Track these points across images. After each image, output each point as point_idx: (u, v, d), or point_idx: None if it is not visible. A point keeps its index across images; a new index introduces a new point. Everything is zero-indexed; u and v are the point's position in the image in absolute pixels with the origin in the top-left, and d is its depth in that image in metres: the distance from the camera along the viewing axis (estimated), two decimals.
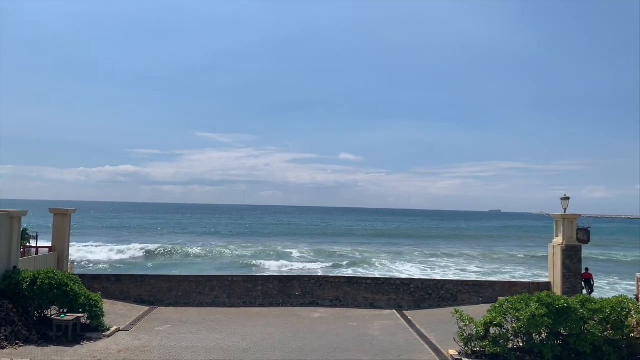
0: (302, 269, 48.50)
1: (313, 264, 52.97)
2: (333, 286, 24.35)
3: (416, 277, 40.20)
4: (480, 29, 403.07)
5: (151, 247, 64.27)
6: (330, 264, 53.51)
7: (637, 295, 17.70)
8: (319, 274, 37.13)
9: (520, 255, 67.65)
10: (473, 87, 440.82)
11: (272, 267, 49.50)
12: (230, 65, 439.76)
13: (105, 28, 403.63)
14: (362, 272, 46.58)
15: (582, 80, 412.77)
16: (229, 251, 63.99)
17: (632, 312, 15.08)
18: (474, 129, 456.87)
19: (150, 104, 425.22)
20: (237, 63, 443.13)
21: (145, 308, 22.31)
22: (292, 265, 50.36)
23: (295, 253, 64.12)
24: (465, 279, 32.62)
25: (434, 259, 61.47)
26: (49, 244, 23.08)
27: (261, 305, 23.65)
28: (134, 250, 61.51)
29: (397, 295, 24.04)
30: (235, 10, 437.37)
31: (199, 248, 65.78)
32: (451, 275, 48.11)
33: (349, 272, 46.58)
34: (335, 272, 47.03)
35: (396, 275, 42.36)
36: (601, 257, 65.37)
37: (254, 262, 53.12)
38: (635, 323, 15.86)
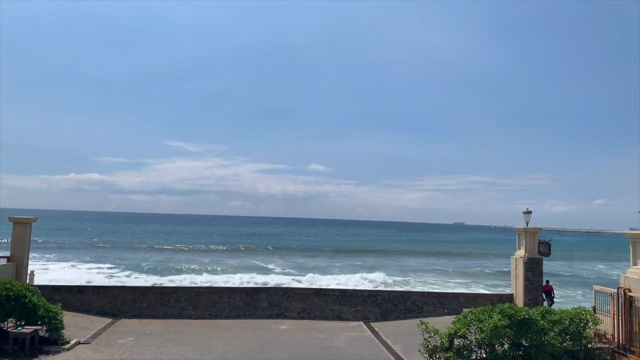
0: (269, 282, 48.11)
1: (283, 276, 52.64)
2: (300, 298, 24.30)
3: (383, 288, 40.51)
4: (450, 45, 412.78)
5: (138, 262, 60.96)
6: (302, 275, 53.29)
7: (594, 307, 18.31)
8: (287, 286, 36.93)
9: (484, 268, 68.95)
10: (442, 102, 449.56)
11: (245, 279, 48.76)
12: (201, 74, 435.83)
13: (73, 31, 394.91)
14: (330, 284, 46.52)
15: (546, 96, 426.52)
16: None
17: (590, 324, 15.63)
18: (442, 142, 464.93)
19: (118, 111, 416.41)
20: (207, 72, 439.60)
21: (108, 320, 21.75)
22: (264, 277, 49.86)
23: (269, 265, 63.64)
24: (431, 290, 33.02)
25: (401, 271, 62.00)
26: (7, 254, 22.30)
27: (227, 317, 23.37)
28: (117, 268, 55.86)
29: (364, 306, 24.15)
30: (206, 19, 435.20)
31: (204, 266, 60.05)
32: (418, 287, 48.65)
33: (320, 283, 46.43)
34: (304, 284, 46.85)
35: (364, 287, 42.50)
36: (562, 270, 67.28)
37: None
38: (592, 334, 16.44)
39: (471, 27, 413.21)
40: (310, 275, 53.12)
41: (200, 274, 51.29)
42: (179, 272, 54.26)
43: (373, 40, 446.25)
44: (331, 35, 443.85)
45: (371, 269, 62.53)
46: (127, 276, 50.81)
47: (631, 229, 21.24)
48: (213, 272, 54.95)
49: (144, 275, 51.57)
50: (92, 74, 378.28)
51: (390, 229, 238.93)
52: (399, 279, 54.48)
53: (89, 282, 39.19)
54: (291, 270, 58.80)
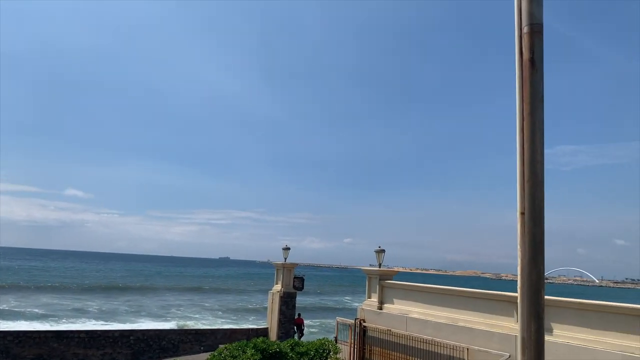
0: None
1: (24, 322, 44.74)
2: (36, 342, 20.96)
3: (137, 327, 37.80)
4: (230, 85, 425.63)
5: None
6: (46, 318, 46.13)
7: (336, 337, 20.15)
8: (20, 329, 31.50)
9: (247, 303, 70.43)
10: (217, 138, 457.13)
11: None
12: None
13: None
14: (73, 326, 41.36)
15: (314, 145, 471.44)
16: None
17: (331, 353, 17.12)
18: (214, 177, 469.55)
19: None
20: None
21: None
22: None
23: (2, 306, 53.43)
24: (187, 328, 32.10)
25: (162, 308, 59.03)
26: None
27: None
28: None
29: (113, 349, 22.05)
30: None
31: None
32: (175, 325, 46.83)
33: (66, 326, 40.75)
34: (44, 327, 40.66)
35: (117, 327, 38.98)
36: (315, 302, 73.06)
37: None
38: None
39: (251, 74, 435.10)
40: (54, 318, 46.58)
41: None
42: None
43: (159, 65, 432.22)
44: (114, 51, 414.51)
45: (131, 307, 58.11)
46: None
47: (371, 265, 24.25)
48: None
49: None
50: None
51: (154, 263, 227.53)
52: (157, 316, 51.81)
53: None
54: (37, 311, 50.72)
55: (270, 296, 25.63)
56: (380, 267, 19.63)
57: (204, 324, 48.15)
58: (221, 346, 17.13)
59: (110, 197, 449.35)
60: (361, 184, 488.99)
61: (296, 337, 24.14)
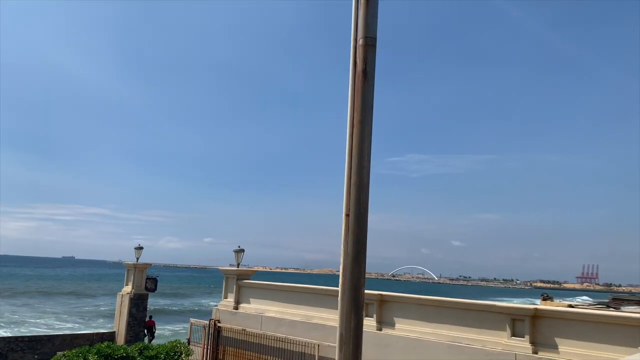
0: None
1: None
2: None
3: None
4: (83, 70, 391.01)
5: None
6: None
7: (189, 339, 19.60)
8: None
9: (96, 307, 65.24)
10: (64, 125, 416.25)
11: None
12: None
13: None
14: None
15: (171, 138, 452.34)
16: None
17: (183, 355, 16.59)
18: (58, 168, 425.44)
19: None
20: None
21: None
22: None
23: None
24: (19, 335, 28.71)
25: None
26: None
27: None
28: None
29: None
30: None
31: None
32: (3, 332, 41.64)
33: None
34: None
35: None
36: (170, 304, 70.23)
37: None
38: None
39: (113, 61, 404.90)
40: None
41: None
42: None
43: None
44: None
45: None
46: None
47: (231, 265, 23.96)
48: None
49: None
50: None
51: None
52: None
53: None
54: None
55: (119, 298, 24.04)
56: (238, 267, 19.54)
57: (41, 330, 43.52)
58: (59, 353, 15.67)
59: None
60: (224, 182, 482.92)
61: (146, 340, 22.97)
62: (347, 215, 2.20)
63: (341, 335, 2.15)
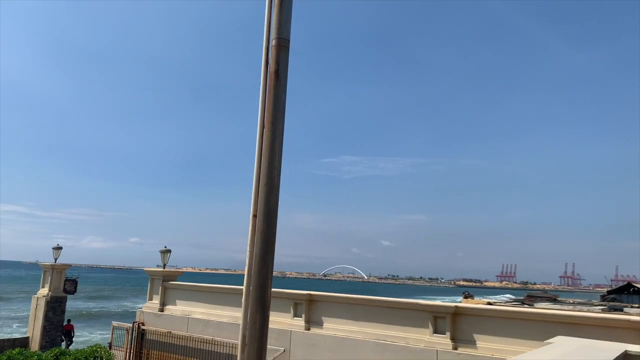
0: None
1: None
2: None
3: None
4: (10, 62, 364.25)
5: None
6: None
7: (110, 343, 18.78)
8: None
9: (11, 312, 60.86)
10: None
11: None
12: None
13: None
14: None
15: (97, 134, 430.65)
16: None
17: (104, 359, 15.89)
18: None
19: None
20: None
21: None
22: None
23: None
24: None
25: None
26: None
27: None
28: None
29: None
30: None
31: None
32: None
33: None
34: None
35: None
36: (92, 307, 66.92)
37: None
38: None
39: (33, 50, 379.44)
40: None
41: None
42: None
43: None
44: None
45: None
46: None
47: (157, 266, 23.15)
48: None
49: None
50: None
51: None
52: None
53: None
54: None
55: (34, 301, 22.58)
56: (164, 268, 18.95)
57: None
58: None
59: None
60: (151, 181, 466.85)
61: (64, 345, 21.75)
62: (255, 216, 2.19)
63: (244, 336, 2.13)
